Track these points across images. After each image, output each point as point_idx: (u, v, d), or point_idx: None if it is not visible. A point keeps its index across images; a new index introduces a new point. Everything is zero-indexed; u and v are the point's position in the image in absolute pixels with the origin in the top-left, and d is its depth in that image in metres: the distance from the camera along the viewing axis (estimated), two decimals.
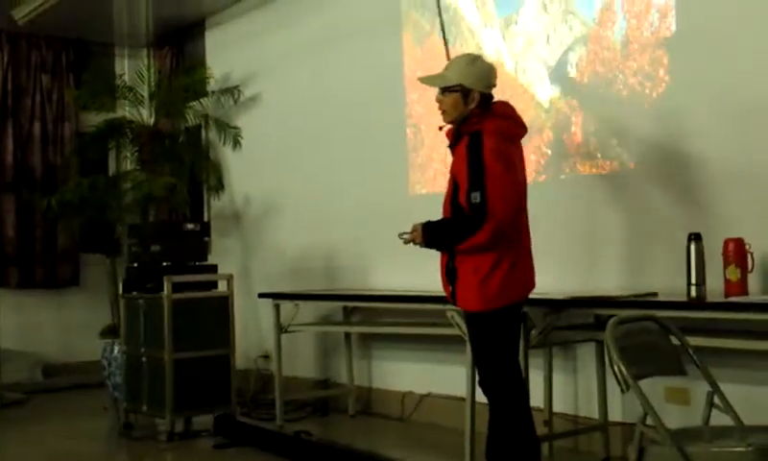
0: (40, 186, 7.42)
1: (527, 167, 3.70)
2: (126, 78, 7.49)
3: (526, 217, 3.54)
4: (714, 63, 4.01)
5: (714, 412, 2.92)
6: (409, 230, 3.53)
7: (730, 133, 3.96)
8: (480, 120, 3.42)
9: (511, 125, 3.51)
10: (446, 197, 3.54)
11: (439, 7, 3.99)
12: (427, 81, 3.67)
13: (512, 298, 3.42)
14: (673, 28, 4.18)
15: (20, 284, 7.42)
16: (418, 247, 3.54)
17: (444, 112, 3.56)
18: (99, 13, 7.20)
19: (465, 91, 3.47)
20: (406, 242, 3.55)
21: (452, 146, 3.53)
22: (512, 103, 3.70)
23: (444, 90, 3.53)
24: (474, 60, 3.59)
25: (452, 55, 4.63)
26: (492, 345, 3.48)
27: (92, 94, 7.08)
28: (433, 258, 3.71)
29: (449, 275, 3.48)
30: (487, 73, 3.53)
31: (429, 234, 3.47)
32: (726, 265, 3.65)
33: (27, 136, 7.56)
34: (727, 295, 3.62)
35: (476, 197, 3.28)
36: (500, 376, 3.49)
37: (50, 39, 7.67)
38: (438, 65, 4.38)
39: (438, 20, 4.95)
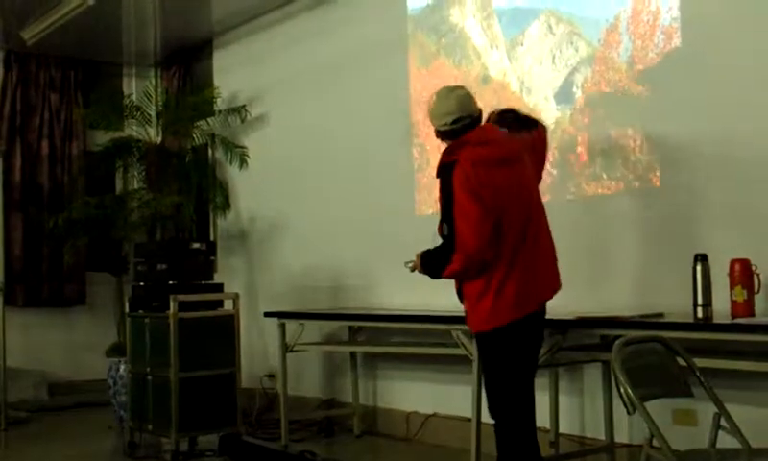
0: (48, 205, 7.45)
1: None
2: (134, 97, 7.53)
3: (532, 231, 3.46)
4: (719, 85, 4.02)
5: (721, 434, 2.91)
6: (414, 257, 3.64)
7: (735, 155, 3.96)
8: (454, 151, 3.44)
9: (489, 150, 3.44)
10: None
11: None
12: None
13: (504, 319, 3.39)
14: (678, 48, 4.19)
15: (27, 303, 7.43)
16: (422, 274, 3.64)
17: None
18: (107, 34, 7.26)
19: (435, 132, 3.59)
20: (411, 270, 3.69)
21: (437, 176, 3.55)
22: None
23: None
24: (439, 97, 3.57)
25: (460, 77, 4.65)
26: (491, 365, 3.51)
27: (100, 113, 7.12)
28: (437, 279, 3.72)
29: (459, 295, 3.57)
30: (441, 111, 3.51)
31: (423, 263, 3.60)
32: (732, 286, 3.64)
33: (35, 155, 7.60)
34: (733, 316, 3.61)
35: (445, 229, 3.39)
36: (501, 396, 3.48)
37: (58, 59, 7.72)
38: (443, 85, 4.40)
39: (443, 41, 4.96)
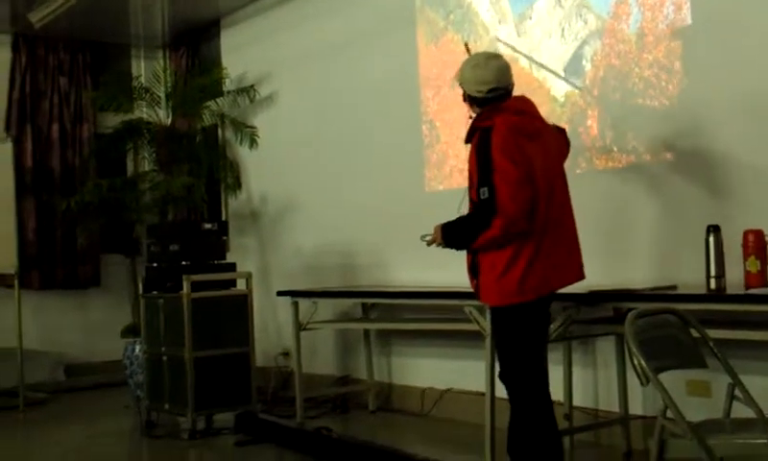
0: (59, 188, 7.49)
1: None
2: (142, 79, 7.54)
3: (558, 209, 3.48)
4: (730, 54, 4.00)
5: (735, 404, 2.92)
6: (431, 230, 3.58)
7: (747, 125, 3.94)
8: (491, 116, 3.43)
9: (524, 120, 3.47)
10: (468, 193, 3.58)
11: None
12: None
13: (531, 294, 3.38)
14: (688, 19, 4.17)
15: (42, 285, 7.48)
16: (440, 248, 3.58)
17: None
18: (115, 16, 7.24)
19: (464, 94, 3.58)
20: (429, 243, 3.61)
21: (467, 142, 3.56)
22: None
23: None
24: (472, 63, 3.59)
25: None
26: (511, 339, 3.48)
27: (109, 96, 7.13)
28: (450, 254, 3.72)
29: (473, 269, 3.50)
30: (477, 79, 3.51)
31: (447, 235, 3.51)
32: (745, 257, 3.63)
33: (46, 139, 7.62)
34: (747, 287, 3.61)
35: (484, 192, 3.30)
36: (519, 370, 3.48)
37: (67, 42, 7.72)
38: (452, 61, 4.40)
39: (452, 17, 4.94)
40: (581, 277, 3.56)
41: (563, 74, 4.80)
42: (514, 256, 3.35)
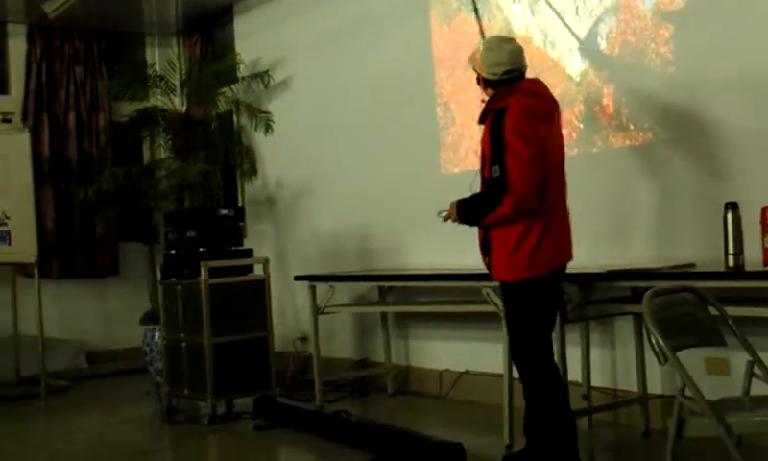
0: (77, 177, 7.53)
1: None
2: (157, 67, 7.55)
3: (562, 189, 3.60)
4: (748, 28, 3.95)
5: (755, 381, 2.90)
6: (447, 207, 3.67)
7: (766, 99, 3.89)
8: (505, 97, 3.52)
9: (538, 102, 3.56)
10: (480, 173, 3.66)
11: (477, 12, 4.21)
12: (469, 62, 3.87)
13: (542, 269, 3.49)
14: None
15: (61, 274, 7.54)
16: (455, 224, 3.70)
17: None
18: (128, 4, 7.26)
19: (479, 76, 3.66)
20: (444, 219, 3.72)
21: (481, 122, 3.65)
22: (542, 77, 3.74)
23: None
24: (486, 46, 3.68)
25: (485, 31, 4.65)
26: (522, 315, 3.55)
27: (125, 84, 7.16)
28: (466, 235, 3.73)
29: (484, 246, 3.61)
30: (492, 61, 3.59)
31: (461, 211, 3.63)
32: (764, 233, 3.60)
33: (62, 128, 7.66)
34: (766, 264, 3.57)
35: (496, 170, 3.43)
36: (530, 347, 3.55)
37: (81, 31, 7.74)
38: (466, 42, 4.38)
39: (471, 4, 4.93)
40: (572, 255, 3.67)
41: (578, 53, 4.76)
42: (525, 233, 3.45)
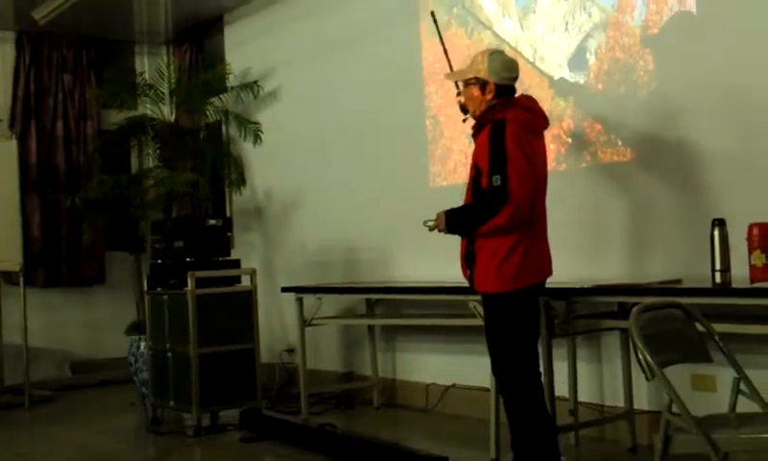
0: (64, 185, 7.49)
1: (548, 157, 3.79)
2: (146, 75, 7.53)
3: (544, 207, 3.64)
4: (736, 48, 3.97)
5: (741, 399, 2.90)
6: (433, 217, 3.66)
7: (754, 120, 3.92)
8: (503, 109, 3.55)
9: (533, 117, 3.62)
10: (468, 185, 3.67)
11: (436, 24, 4.26)
12: (450, 77, 3.94)
13: (528, 281, 3.52)
14: (693, 11, 4.14)
15: (47, 283, 7.49)
16: (442, 234, 3.68)
17: (462, 106, 3.74)
18: (118, 12, 7.24)
19: (481, 83, 3.62)
20: (431, 229, 3.69)
21: (475, 134, 3.66)
22: (531, 91, 3.77)
23: (465, 85, 3.70)
24: (491, 53, 3.72)
25: (473, 47, 4.66)
26: (506, 328, 3.55)
27: (113, 92, 7.13)
28: (454, 249, 3.72)
29: (468, 259, 3.60)
30: (503, 66, 3.64)
31: (451, 220, 3.62)
32: (751, 250, 3.61)
33: (50, 136, 7.62)
34: (752, 281, 3.58)
35: (497, 179, 3.43)
36: (516, 359, 3.55)
37: (70, 38, 7.72)
38: (456, 56, 4.39)
39: (455, 11, 4.95)
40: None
41: (567, 68, 4.78)
42: (515, 245, 3.48)
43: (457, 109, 3.82)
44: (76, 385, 7.24)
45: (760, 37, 3.88)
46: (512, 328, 3.54)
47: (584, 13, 4.71)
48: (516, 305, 3.53)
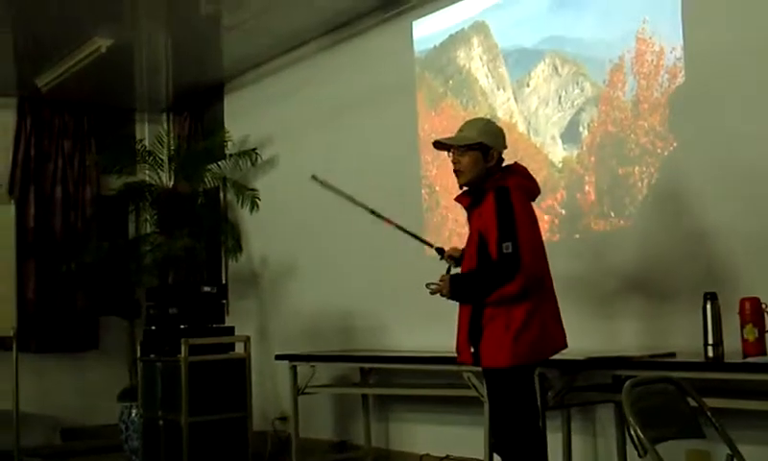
0: (61, 249, 7.50)
1: (542, 227, 3.77)
2: (146, 142, 7.61)
3: (550, 274, 3.54)
4: (725, 124, 4.04)
5: None
6: (437, 280, 3.54)
7: (742, 193, 3.96)
8: (505, 176, 3.51)
9: (531, 185, 3.62)
10: (467, 257, 3.57)
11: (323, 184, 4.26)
12: (448, 141, 3.67)
13: (543, 354, 3.45)
14: (683, 88, 4.22)
15: (39, 348, 7.44)
16: (443, 300, 3.55)
17: (460, 173, 3.57)
18: (120, 80, 7.35)
19: (484, 149, 3.53)
20: (433, 292, 3.56)
21: (474, 205, 3.55)
22: (524, 163, 3.81)
23: (465, 150, 3.54)
24: (489, 122, 3.76)
25: (468, 118, 4.72)
26: (519, 405, 3.42)
27: (113, 158, 7.21)
28: (449, 318, 3.71)
29: (473, 334, 3.43)
30: (500, 133, 3.66)
31: (456, 286, 3.49)
32: (743, 325, 3.62)
33: (49, 200, 7.66)
34: (745, 355, 3.58)
35: (508, 246, 3.31)
36: (524, 439, 3.42)
37: (72, 105, 7.80)
38: (452, 126, 4.44)
39: (451, 83, 5.02)
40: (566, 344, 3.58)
41: (560, 140, 4.84)
42: (530, 316, 3.36)
43: (452, 178, 3.67)
44: (66, 452, 7.13)
45: (748, 114, 3.95)
46: (525, 405, 3.41)
47: (576, 88, 4.80)
48: (528, 379, 3.43)
